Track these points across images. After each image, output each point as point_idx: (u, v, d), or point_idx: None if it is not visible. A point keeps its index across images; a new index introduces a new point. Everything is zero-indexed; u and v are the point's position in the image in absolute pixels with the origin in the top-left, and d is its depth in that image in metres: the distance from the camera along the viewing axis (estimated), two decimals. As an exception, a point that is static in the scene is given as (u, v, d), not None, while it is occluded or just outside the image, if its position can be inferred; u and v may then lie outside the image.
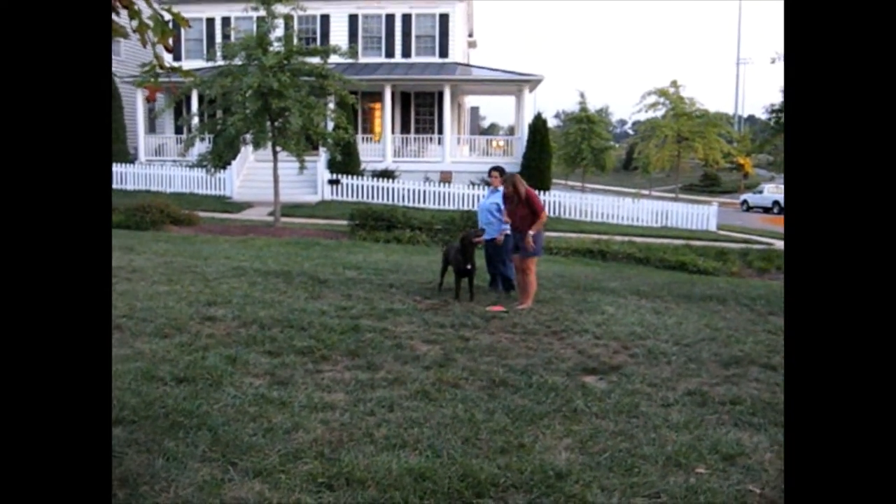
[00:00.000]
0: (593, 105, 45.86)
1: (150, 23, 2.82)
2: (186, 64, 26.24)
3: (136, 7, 2.79)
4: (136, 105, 29.66)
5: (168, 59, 3.14)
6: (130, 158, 29.39)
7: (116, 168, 27.33)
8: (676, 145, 43.14)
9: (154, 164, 28.21)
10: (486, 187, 22.77)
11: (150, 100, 3.14)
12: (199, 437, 4.04)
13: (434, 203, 25.52)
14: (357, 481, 3.56)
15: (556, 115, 71.72)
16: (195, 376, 5.14)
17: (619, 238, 20.38)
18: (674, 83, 44.20)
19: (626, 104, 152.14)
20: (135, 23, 2.82)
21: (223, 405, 4.60)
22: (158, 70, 3.08)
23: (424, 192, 25.89)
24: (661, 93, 44.25)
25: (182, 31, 29.85)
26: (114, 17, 2.77)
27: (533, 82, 30.18)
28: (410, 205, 24.96)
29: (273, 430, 4.20)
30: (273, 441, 4.04)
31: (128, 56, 30.21)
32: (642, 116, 48.57)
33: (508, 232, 9.20)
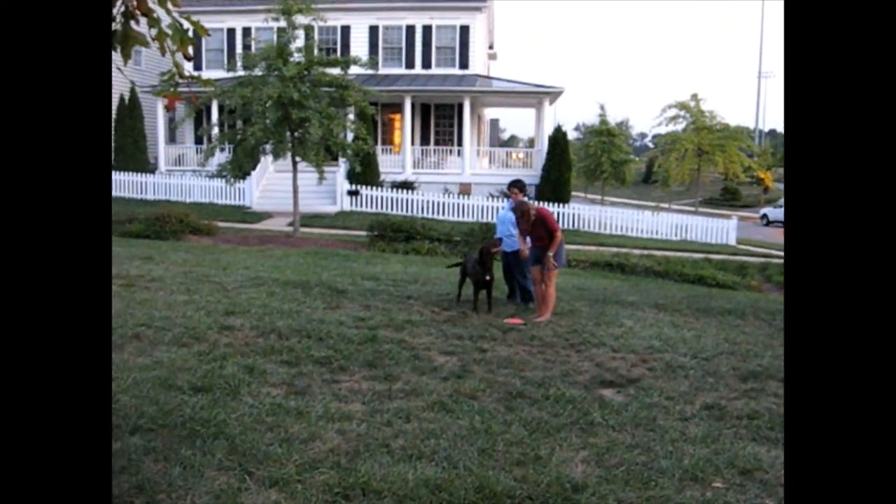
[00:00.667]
0: (613, 118, 45.71)
1: (170, 31, 2.83)
2: (207, 74, 26.45)
3: (155, 15, 2.81)
4: (156, 115, 29.92)
5: (188, 67, 3.16)
6: (151, 168, 29.63)
7: (136, 177, 27.57)
8: (696, 159, 43.00)
9: (174, 174, 28.43)
10: (505, 199, 22.78)
11: (169, 108, 3.13)
12: (216, 445, 4.06)
13: (453, 215, 25.54)
14: (373, 492, 3.56)
15: (576, 128, 71.73)
16: (213, 385, 5.16)
17: (638, 251, 20.30)
18: (694, 96, 44.15)
19: (646, 117, 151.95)
20: (154, 31, 2.83)
21: (240, 414, 4.61)
22: (178, 79, 3.10)
23: (443, 203, 25.92)
24: (682, 106, 44.17)
25: (203, 41, 30.14)
26: (133, 25, 2.78)
27: (553, 94, 30.18)
28: (429, 216, 25.00)
29: (290, 440, 4.21)
30: (290, 451, 4.05)
31: (148, 66, 30.50)
32: (662, 130, 48.44)
33: (530, 245, 9.20)
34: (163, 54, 2.92)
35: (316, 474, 3.75)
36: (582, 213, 26.38)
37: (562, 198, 26.40)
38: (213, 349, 6.25)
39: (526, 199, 9.82)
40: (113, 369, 5.43)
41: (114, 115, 29.16)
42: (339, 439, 4.29)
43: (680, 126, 44.81)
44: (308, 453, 4.03)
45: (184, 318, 7.36)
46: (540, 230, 8.78)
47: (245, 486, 3.58)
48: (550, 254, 8.71)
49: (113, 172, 27.63)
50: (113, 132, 29.27)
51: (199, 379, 5.28)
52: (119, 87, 28.18)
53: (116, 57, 2.89)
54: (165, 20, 2.87)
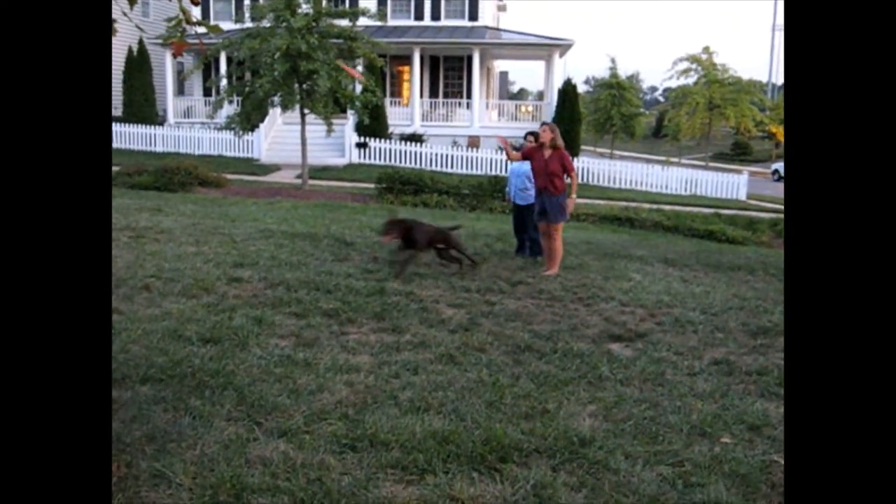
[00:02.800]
0: (624, 71, 45.15)
1: None
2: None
3: None
4: (164, 67, 29.71)
5: (196, 12, 3.10)
6: (159, 120, 29.54)
7: (145, 130, 27.50)
8: (708, 113, 42.50)
9: (183, 126, 28.31)
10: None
11: (175, 55, 3.09)
12: (224, 396, 4.08)
13: (462, 168, 25.42)
14: (381, 443, 3.57)
15: (586, 81, 70.96)
16: (221, 337, 5.18)
17: (647, 206, 20.21)
18: (706, 49, 43.45)
19: (657, 70, 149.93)
20: None
21: (249, 365, 4.63)
22: (185, 25, 3.04)
23: (452, 156, 25.80)
24: (694, 59, 43.50)
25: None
26: None
27: (563, 47, 29.83)
28: (438, 169, 24.88)
29: (298, 391, 4.23)
30: (298, 402, 4.06)
31: (157, 17, 30.21)
32: (673, 83, 47.75)
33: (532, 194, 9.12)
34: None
35: (324, 425, 3.77)
36: (591, 166, 26.21)
37: (571, 151, 26.09)
38: (221, 301, 6.26)
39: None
40: (123, 320, 5.46)
41: (122, 68, 29.04)
42: (347, 391, 4.31)
43: (691, 80, 44.14)
44: (316, 404, 4.05)
45: (193, 269, 7.37)
46: (556, 165, 8.62)
47: (253, 437, 3.60)
48: (574, 195, 8.64)
49: (122, 125, 27.63)
50: (122, 84, 29.19)
51: (208, 330, 5.30)
52: (128, 39, 27.94)
53: (122, 1, 2.82)
54: None
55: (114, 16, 2.81)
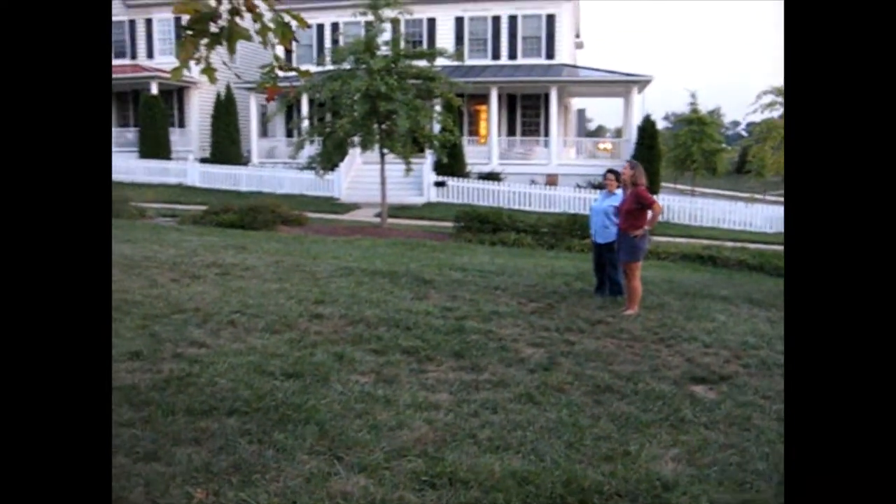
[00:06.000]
0: (705, 106, 44.38)
1: (272, 25, 2.92)
2: (299, 68, 26.96)
3: (258, 10, 2.90)
4: (249, 110, 30.69)
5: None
6: (244, 161, 30.47)
7: (231, 170, 28.49)
8: (793, 148, 41.46)
9: (266, 167, 29.15)
10: (597, 190, 22.52)
11: (269, 100, 3.27)
12: (306, 430, 4.14)
13: (540, 206, 25.35)
14: (460, 481, 3.57)
15: (666, 117, 70.18)
16: (304, 372, 5.26)
17: (730, 244, 19.75)
18: (791, 83, 42.51)
19: (739, 105, 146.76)
20: (258, 26, 2.93)
21: (330, 401, 4.69)
22: (278, 71, 3.19)
23: (530, 194, 25.78)
24: (779, 91, 42.56)
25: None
26: (237, 20, 2.87)
27: (641, 83, 29.63)
28: (516, 207, 24.89)
29: (378, 427, 4.26)
30: (378, 438, 4.10)
31: (241, 63, 31.29)
32: (757, 117, 46.75)
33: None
34: (265, 48, 3.03)
35: (403, 462, 3.79)
36: (671, 204, 25.80)
37: (651, 189, 25.85)
38: (303, 337, 6.37)
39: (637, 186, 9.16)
40: (210, 353, 5.61)
41: (211, 112, 30.24)
42: (427, 428, 4.32)
43: (776, 113, 43.19)
44: (396, 441, 4.07)
45: (276, 305, 7.53)
46: (629, 203, 8.64)
47: (334, 471, 3.64)
48: (645, 227, 8.59)
49: (209, 165, 28.69)
50: (210, 127, 30.35)
51: (291, 365, 5.40)
52: (215, 85, 29.05)
53: (223, 51, 2.98)
54: (267, 15, 2.97)
55: (215, 64, 2.97)
